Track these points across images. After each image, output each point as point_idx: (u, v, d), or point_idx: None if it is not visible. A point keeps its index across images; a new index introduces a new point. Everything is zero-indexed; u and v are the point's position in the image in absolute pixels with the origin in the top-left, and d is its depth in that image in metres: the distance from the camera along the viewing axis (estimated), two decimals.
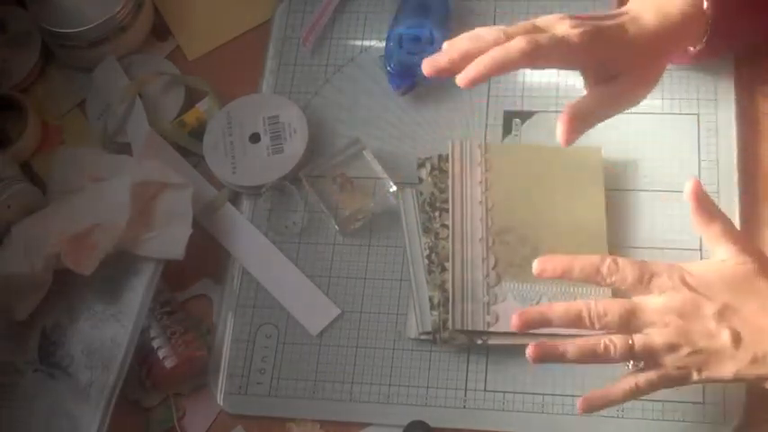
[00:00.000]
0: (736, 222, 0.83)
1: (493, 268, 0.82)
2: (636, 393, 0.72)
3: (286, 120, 0.93)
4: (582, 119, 0.75)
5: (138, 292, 0.86)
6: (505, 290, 0.81)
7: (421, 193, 0.87)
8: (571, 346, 0.71)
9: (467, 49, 0.73)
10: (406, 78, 0.93)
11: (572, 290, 0.81)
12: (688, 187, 0.72)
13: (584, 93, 0.76)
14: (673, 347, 0.70)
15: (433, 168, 0.87)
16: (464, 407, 0.82)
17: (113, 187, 0.88)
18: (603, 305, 0.71)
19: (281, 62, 0.99)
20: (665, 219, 0.85)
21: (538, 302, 0.80)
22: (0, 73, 1.02)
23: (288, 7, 1.02)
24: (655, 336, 0.70)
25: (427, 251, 0.84)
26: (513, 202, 0.84)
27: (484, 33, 0.74)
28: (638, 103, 0.78)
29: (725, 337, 0.69)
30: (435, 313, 0.82)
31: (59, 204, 0.89)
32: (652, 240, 0.83)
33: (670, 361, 0.70)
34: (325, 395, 0.84)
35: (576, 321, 0.71)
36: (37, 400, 0.86)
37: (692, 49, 0.82)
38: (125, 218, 0.85)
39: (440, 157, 0.88)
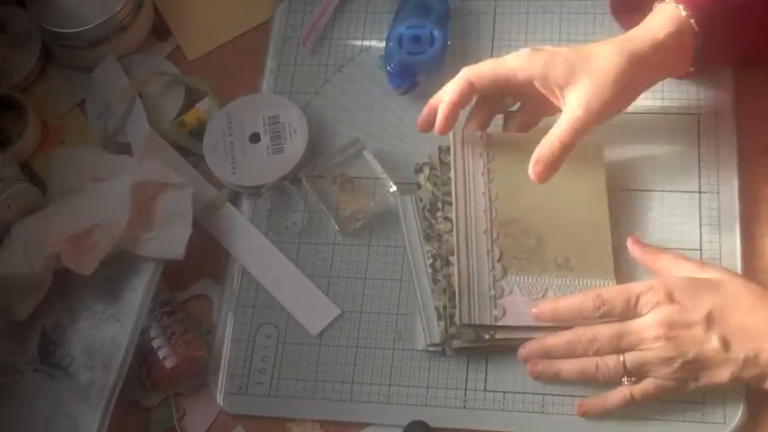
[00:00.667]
0: (737, 222, 0.83)
1: (498, 261, 0.81)
2: (631, 404, 0.74)
3: (286, 120, 0.93)
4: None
5: (138, 292, 0.86)
6: (512, 283, 0.81)
7: (420, 200, 0.87)
8: (566, 365, 0.77)
9: None
10: (406, 78, 0.93)
11: (576, 282, 0.80)
12: (629, 244, 0.81)
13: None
14: (665, 360, 0.72)
15: (432, 168, 0.87)
16: (464, 407, 0.82)
17: (113, 187, 0.88)
18: (592, 331, 0.75)
19: (281, 62, 0.99)
20: (665, 219, 0.85)
21: (544, 296, 0.80)
22: (0, 73, 1.02)
23: (288, 7, 1.02)
24: (646, 352, 0.73)
25: (431, 259, 0.84)
26: (517, 192, 0.83)
27: None
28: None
29: (714, 342, 0.71)
30: (442, 324, 0.81)
31: (59, 204, 0.89)
32: (652, 240, 0.83)
33: (664, 373, 0.73)
34: (325, 395, 0.84)
35: (570, 350, 0.76)
36: (37, 400, 0.86)
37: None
38: (125, 218, 0.85)
39: (440, 148, 0.87)
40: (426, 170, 0.87)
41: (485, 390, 0.82)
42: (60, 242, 0.85)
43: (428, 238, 0.85)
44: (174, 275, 0.89)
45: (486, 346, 0.81)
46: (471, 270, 0.81)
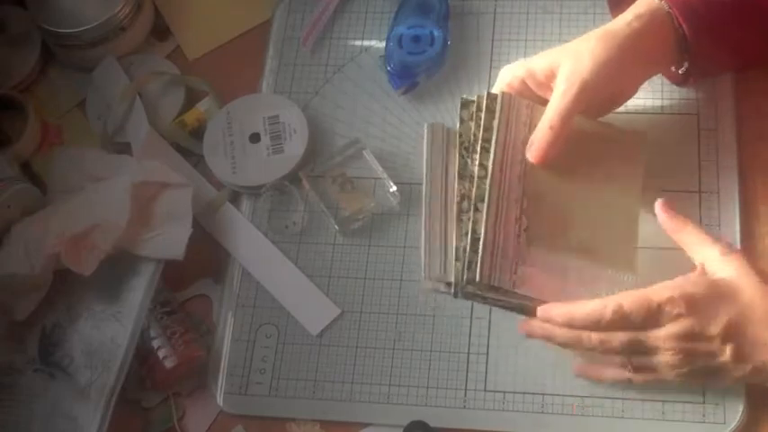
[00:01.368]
0: (737, 222, 0.83)
1: (524, 230, 0.78)
2: (627, 385, 0.75)
3: (286, 120, 0.93)
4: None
5: (138, 292, 0.86)
6: (534, 256, 0.77)
7: (460, 135, 0.80)
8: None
9: None
10: (406, 78, 0.93)
11: (597, 269, 0.77)
12: (658, 205, 0.76)
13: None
14: (673, 366, 0.72)
15: (478, 109, 0.80)
16: (464, 407, 0.82)
17: (113, 187, 0.88)
18: (607, 335, 0.72)
19: (281, 62, 0.99)
20: None
21: (563, 276, 0.76)
22: (0, 73, 1.02)
23: (288, 7, 1.02)
24: (658, 356, 0.72)
25: (457, 197, 0.78)
26: (551, 168, 0.80)
27: None
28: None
29: (727, 354, 0.71)
30: (459, 264, 0.76)
31: (59, 204, 0.89)
32: (652, 240, 0.83)
33: (669, 374, 0.73)
34: (325, 395, 0.84)
35: (576, 341, 0.74)
36: (37, 400, 0.86)
37: (677, 70, 0.84)
38: (125, 218, 0.85)
39: (489, 95, 0.80)
40: (472, 107, 0.81)
41: (485, 390, 0.82)
42: (60, 242, 0.85)
43: (461, 176, 0.79)
44: (174, 275, 0.89)
45: (500, 302, 0.77)
46: (498, 229, 0.76)
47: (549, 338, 0.76)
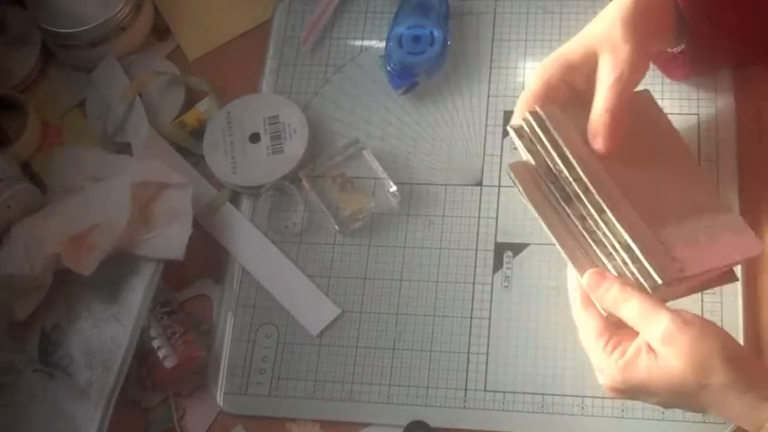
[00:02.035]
0: None
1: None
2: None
3: (286, 120, 0.93)
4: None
5: (138, 292, 0.86)
6: (671, 236, 0.72)
7: (536, 169, 0.75)
8: None
9: None
10: (406, 78, 0.93)
11: (710, 226, 0.73)
12: (589, 277, 0.71)
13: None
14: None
15: (533, 133, 0.75)
16: (464, 407, 0.82)
17: (113, 187, 0.88)
18: None
19: (281, 62, 0.99)
20: None
21: (695, 241, 0.72)
22: (0, 73, 1.02)
23: (288, 7, 1.02)
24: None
25: (578, 221, 0.73)
26: (620, 154, 0.75)
27: None
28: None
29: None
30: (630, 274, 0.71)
31: (59, 204, 0.89)
32: None
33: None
34: (325, 395, 0.84)
35: None
36: (37, 400, 0.86)
37: (672, 50, 0.84)
38: (125, 218, 0.85)
39: (534, 116, 0.75)
40: (525, 134, 0.76)
41: (485, 390, 0.82)
42: (60, 242, 0.85)
43: (566, 199, 0.74)
44: (174, 275, 0.89)
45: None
46: (632, 226, 0.71)
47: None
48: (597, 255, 0.72)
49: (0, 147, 0.98)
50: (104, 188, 0.89)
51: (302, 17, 1.01)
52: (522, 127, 0.76)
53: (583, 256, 0.72)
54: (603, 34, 0.77)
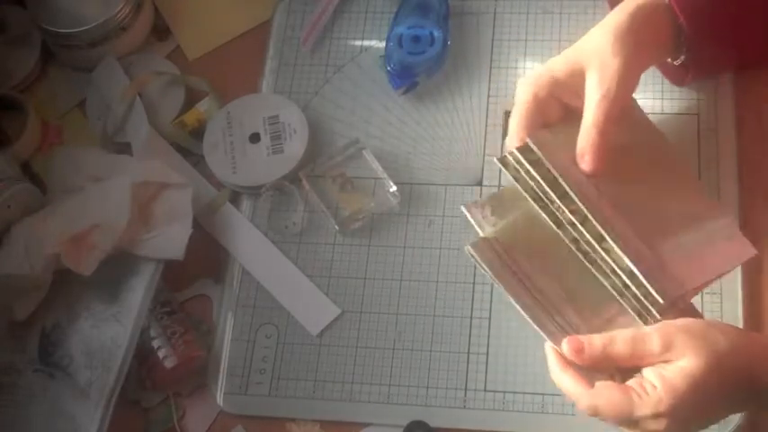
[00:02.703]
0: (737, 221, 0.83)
1: (638, 238, 0.72)
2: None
3: (286, 120, 0.93)
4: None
5: (138, 292, 0.86)
6: (666, 251, 0.71)
7: (527, 190, 0.75)
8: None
9: None
10: (406, 78, 0.93)
11: (705, 232, 0.73)
12: (567, 346, 0.68)
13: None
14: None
15: (519, 164, 0.75)
16: (464, 407, 0.82)
17: (113, 187, 0.88)
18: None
19: (281, 62, 0.99)
20: None
21: (691, 254, 0.72)
22: (0, 73, 1.02)
23: (288, 7, 1.02)
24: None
25: (573, 244, 0.72)
26: (612, 173, 0.74)
27: None
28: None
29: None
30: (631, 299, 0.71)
31: (59, 204, 0.89)
32: None
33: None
34: (325, 395, 0.84)
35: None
36: (37, 400, 0.86)
37: (674, 61, 0.83)
38: (125, 218, 0.85)
39: (522, 149, 0.74)
40: (512, 163, 0.75)
41: (485, 390, 0.82)
42: (60, 242, 0.85)
43: (558, 224, 0.73)
44: (174, 275, 0.89)
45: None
46: (631, 248, 0.71)
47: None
48: (593, 273, 0.72)
49: (0, 147, 0.98)
50: (104, 188, 0.89)
51: (302, 17, 1.01)
52: (506, 157, 0.75)
53: (555, 327, 0.71)
54: (592, 49, 0.77)
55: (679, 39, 0.80)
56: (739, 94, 0.88)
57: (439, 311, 0.85)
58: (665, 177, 0.78)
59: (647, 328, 0.67)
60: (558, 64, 0.78)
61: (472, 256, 0.73)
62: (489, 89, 0.93)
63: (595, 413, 0.66)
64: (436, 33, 0.93)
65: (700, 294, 0.80)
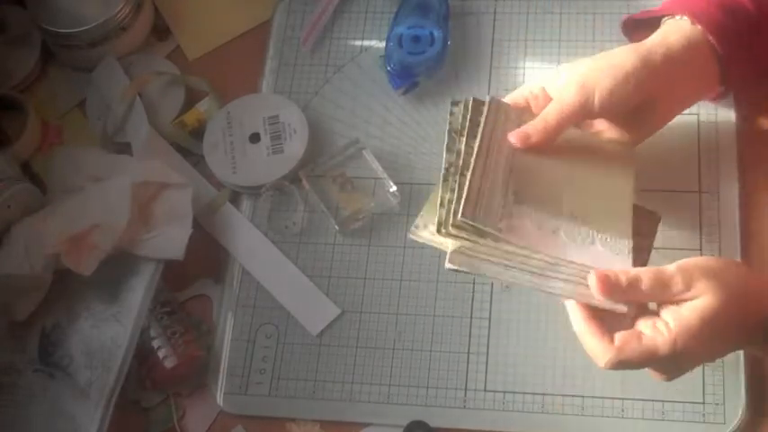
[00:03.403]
0: (737, 222, 0.83)
1: (513, 193, 0.75)
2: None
3: (286, 120, 0.93)
4: None
5: (138, 292, 0.86)
6: (523, 213, 0.73)
7: (450, 123, 0.77)
8: None
9: None
10: (406, 78, 0.93)
11: (589, 234, 0.74)
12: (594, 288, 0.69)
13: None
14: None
15: (465, 108, 0.78)
16: (464, 407, 0.82)
17: (113, 187, 0.88)
18: None
19: (281, 62, 0.99)
20: (665, 219, 0.84)
21: (554, 232, 0.73)
22: (0, 73, 1.02)
23: (288, 7, 1.02)
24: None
25: (446, 165, 0.75)
26: (541, 156, 0.77)
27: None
28: None
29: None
30: (443, 210, 0.73)
31: (59, 204, 0.89)
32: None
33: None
34: (325, 395, 0.84)
35: None
36: (37, 400, 0.86)
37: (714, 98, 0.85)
38: (125, 218, 0.85)
39: (475, 99, 0.78)
40: (461, 107, 0.78)
41: (485, 390, 0.82)
42: (60, 242, 0.85)
43: (449, 149, 0.76)
44: (174, 275, 0.89)
45: (493, 265, 0.72)
46: (485, 181, 0.73)
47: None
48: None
49: (0, 147, 0.98)
50: (104, 188, 0.89)
51: (302, 17, 1.01)
52: (460, 102, 0.78)
53: (562, 281, 0.71)
54: (603, 54, 0.77)
55: (720, 68, 0.80)
56: (739, 93, 0.88)
57: (439, 311, 0.85)
58: (594, 189, 0.77)
59: (670, 268, 0.68)
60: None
61: (456, 271, 0.72)
62: (489, 89, 0.93)
63: (618, 368, 0.68)
64: (436, 33, 0.93)
65: None
